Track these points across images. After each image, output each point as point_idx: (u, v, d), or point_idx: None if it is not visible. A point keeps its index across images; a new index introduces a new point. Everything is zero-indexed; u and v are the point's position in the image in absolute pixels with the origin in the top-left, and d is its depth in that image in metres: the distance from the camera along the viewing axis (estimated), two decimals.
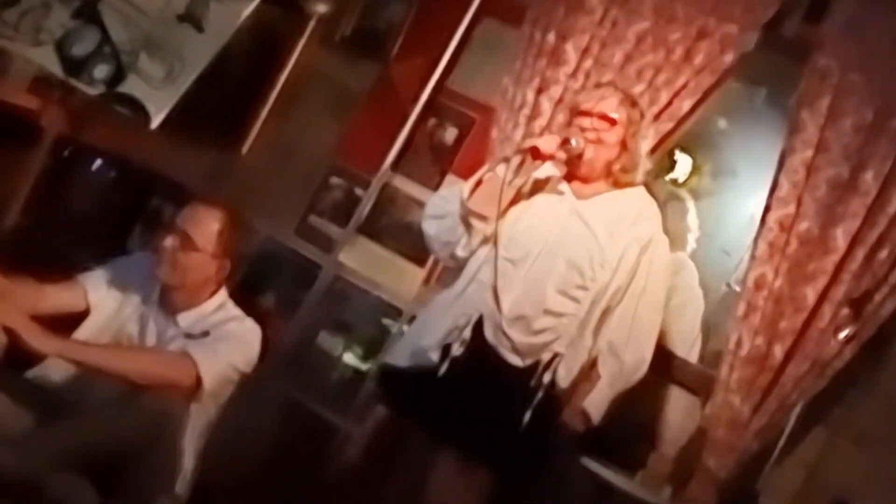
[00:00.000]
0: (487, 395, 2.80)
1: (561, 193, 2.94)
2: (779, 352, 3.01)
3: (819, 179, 3.09)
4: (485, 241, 2.89)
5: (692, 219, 3.51)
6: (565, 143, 2.87)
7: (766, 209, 3.13)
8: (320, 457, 3.38)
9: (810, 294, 3.02)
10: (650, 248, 2.88)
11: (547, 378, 2.80)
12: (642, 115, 2.99)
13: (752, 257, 3.12)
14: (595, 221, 2.87)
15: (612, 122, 2.90)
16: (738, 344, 3.06)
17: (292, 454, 3.43)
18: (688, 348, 3.30)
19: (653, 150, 3.28)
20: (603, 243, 2.84)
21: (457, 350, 2.84)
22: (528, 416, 2.76)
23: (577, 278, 2.82)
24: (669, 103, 3.32)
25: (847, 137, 3.08)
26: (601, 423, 2.87)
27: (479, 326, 2.85)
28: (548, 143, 2.86)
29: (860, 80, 3.12)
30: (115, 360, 2.50)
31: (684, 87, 3.32)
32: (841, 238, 3.02)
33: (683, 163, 3.80)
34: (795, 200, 3.09)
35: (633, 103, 2.99)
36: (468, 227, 2.89)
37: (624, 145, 2.92)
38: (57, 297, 2.73)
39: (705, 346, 3.31)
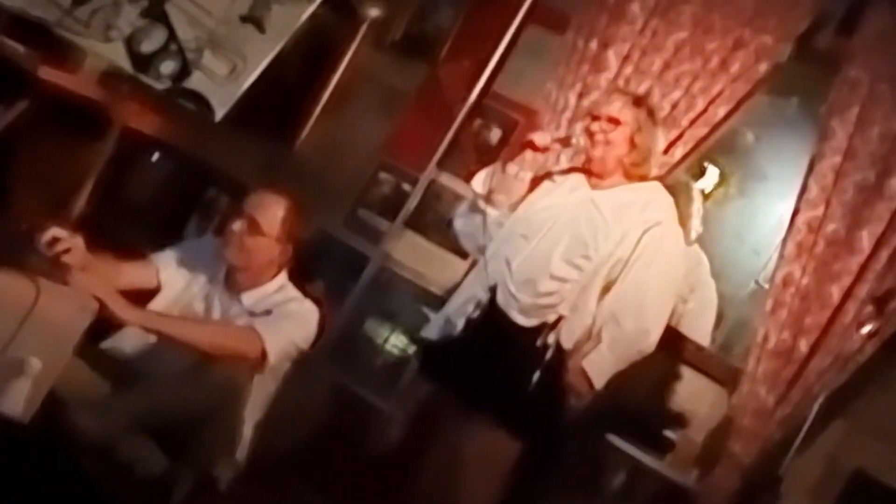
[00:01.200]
0: (499, 355, 3.05)
1: (577, 184, 3.18)
2: (804, 346, 3.19)
3: (846, 184, 3.27)
4: (499, 226, 3.15)
5: (696, 218, 3.67)
6: (566, 140, 3.17)
7: (795, 211, 3.31)
8: (363, 436, 3.57)
9: (835, 292, 3.19)
10: (655, 228, 3.05)
11: (552, 339, 3.03)
12: (650, 114, 3.17)
13: (781, 256, 3.30)
14: (605, 206, 3.11)
15: (618, 122, 3.11)
16: (766, 338, 3.23)
17: (338, 432, 3.62)
18: (708, 338, 3.47)
19: (686, 155, 3.49)
20: (609, 221, 3.07)
21: (473, 313, 3.12)
22: (536, 375, 2.99)
23: (581, 249, 3.06)
24: (705, 110, 3.51)
25: (874, 145, 3.25)
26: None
27: (493, 295, 3.12)
28: (542, 138, 3.13)
29: (888, 91, 3.29)
30: (190, 330, 2.70)
31: (720, 94, 3.50)
32: (866, 240, 3.19)
33: (711, 174, 3.95)
34: (824, 203, 3.27)
35: (639, 103, 3.17)
36: (482, 213, 3.16)
37: (632, 142, 3.12)
38: (132, 274, 2.92)
39: (733, 339, 3.48)
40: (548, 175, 3.23)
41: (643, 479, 3.29)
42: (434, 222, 3.94)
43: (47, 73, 3.72)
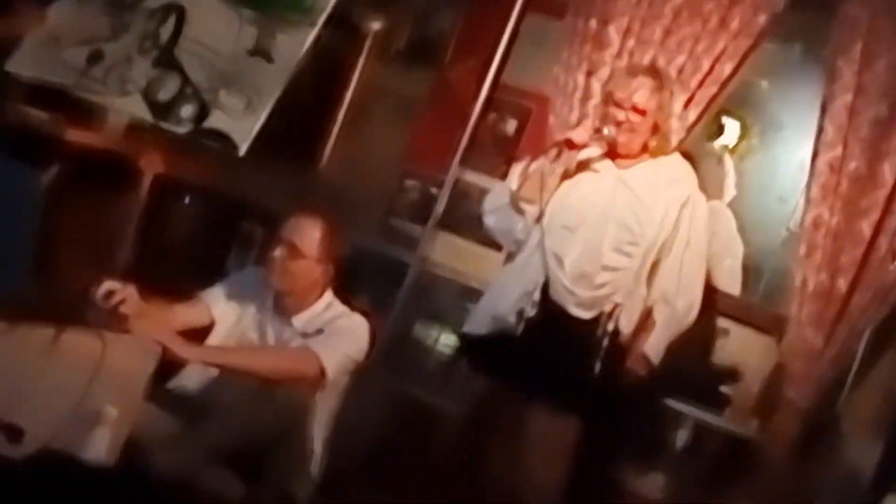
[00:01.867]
0: (561, 348, 3.13)
1: (605, 168, 3.25)
2: (842, 284, 3.25)
3: (861, 121, 3.31)
4: (538, 220, 3.23)
5: (730, 176, 3.73)
6: (598, 132, 3.21)
7: (815, 154, 3.36)
8: (428, 437, 3.66)
9: (865, 227, 3.25)
10: (689, 205, 3.18)
11: (610, 327, 3.12)
12: (672, 94, 3.28)
13: (807, 200, 3.35)
14: (637, 186, 3.19)
15: (643, 112, 3.18)
16: (804, 282, 3.29)
17: (403, 437, 3.72)
18: (737, 287, 3.55)
19: (700, 116, 3.55)
20: (646, 203, 3.16)
21: (530, 311, 3.18)
22: (598, 363, 3.09)
23: (627, 236, 3.15)
24: (711, 69, 3.56)
25: (882, 78, 3.30)
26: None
27: (545, 290, 3.19)
28: (580, 135, 3.21)
29: (888, 24, 3.33)
30: (248, 358, 2.82)
31: (723, 51, 3.56)
32: (888, 172, 3.25)
33: (731, 128, 3.96)
34: (841, 143, 3.32)
35: (662, 86, 3.24)
36: (520, 211, 3.25)
37: (656, 127, 3.22)
38: (186, 314, 3.03)
39: (773, 288, 3.53)
40: (580, 166, 3.29)
41: (705, 437, 3.37)
42: (465, 220, 4.01)
43: (74, 135, 3.86)
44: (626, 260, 3.14)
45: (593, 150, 3.25)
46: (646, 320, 3.15)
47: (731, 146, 3.81)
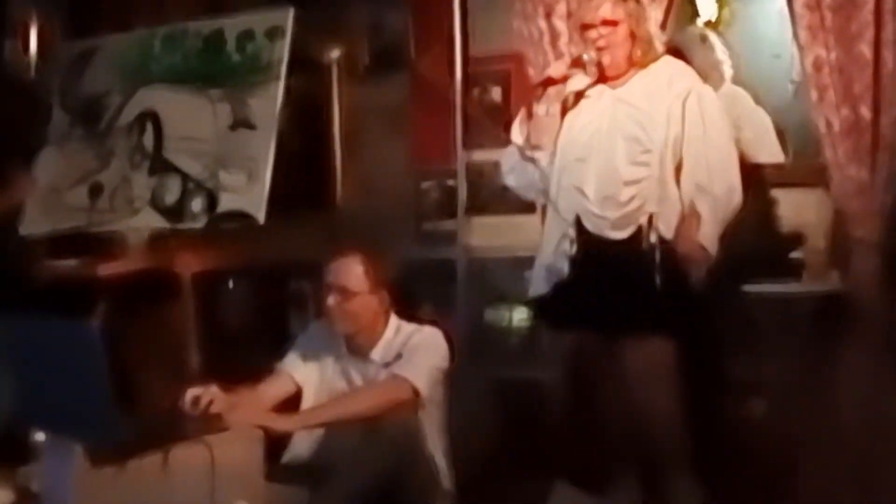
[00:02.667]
0: (617, 275, 3.13)
1: (600, 93, 3.25)
2: (866, 112, 3.22)
3: None
4: (551, 162, 3.26)
5: (720, 51, 3.70)
6: (579, 61, 3.22)
7: (789, 1, 3.34)
8: (540, 411, 3.70)
9: (865, 49, 3.22)
10: (691, 97, 3.15)
11: (653, 237, 3.12)
12: (638, 1, 3.27)
13: (800, 47, 3.33)
14: (635, 98, 3.19)
15: (614, 23, 3.18)
16: (828, 124, 3.27)
17: (515, 421, 3.76)
18: (778, 156, 3.52)
19: (668, 8, 3.53)
20: (647, 110, 3.16)
21: (571, 251, 3.21)
22: (657, 276, 3.09)
23: (638, 147, 3.14)
24: None
25: None
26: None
27: (580, 226, 3.20)
28: (557, 68, 3.24)
29: None
30: (344, 407, 2.88)
31: None
32: None
33: (705, 2, 3.91)
34: None
35: None
36: (532, 160, 3.28)
37: (633, 36, 3.21)
38: (272, 391, 3.09)
39: (803, 144, 3.50)
40: (577, 98, 3.29)
41: (794, 308, 3.36)
42: (490, 197, 4.06)
43: (106, 270, 3.97)
44: (645, 169, 3.14)
45: (583, 80, 3.26)
46: (690, 217, 3.12)
47: (714, 19, 3.77)
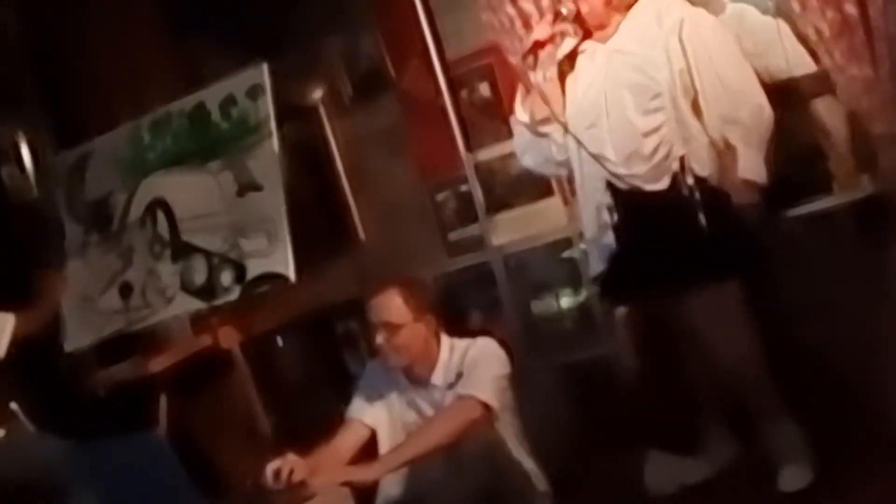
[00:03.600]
0: (663, 229, 3.04)
1: (591, 50, 3.18)
2: (851, 8, 3.15)
3: None
4: (565, 134, 3.18)
5: None
6: (557, 17, 3.14)
7: None
8: (612, 386, 3.67)
9: None
10: (685, 26, 3.04)
11: (689, 179, 3.00)
12: None
13: None
14: (627, 44, 3.10)
15: None
16: (818, 31, 3.21)
17: (593, 404, 3.74)
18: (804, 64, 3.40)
19: None
20: (644, 53, 3.06)
21: (612, 220, 3.12)
22: (702, 218, 2.96)
23: (646, 93, 3.05)
24: None
25: None
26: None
27: (613, 189, 3.12)
28: (542, 30, 3.14)
29: None
30: (422, 442, 2.87)
31: None
32: None
33: None
34: None
35: None
36: (545, 136, 3.23)
37: None
38: (347, 442, 3.09)
39: (796, 56, 3.43)
40: (565, 62, 3.22)
41: (834, 222, 3.31)
42: (505, 192, 4.04)
43: (157, 364, 3.99)
44: (660, 115, 3.05)
45: (570, 42, 3.19)
46: (725, 151, 3.02)
47: None
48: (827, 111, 3.35)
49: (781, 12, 3.36)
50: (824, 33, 3.20)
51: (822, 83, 3.33)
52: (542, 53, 3.13)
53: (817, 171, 3.37)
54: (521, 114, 3.27)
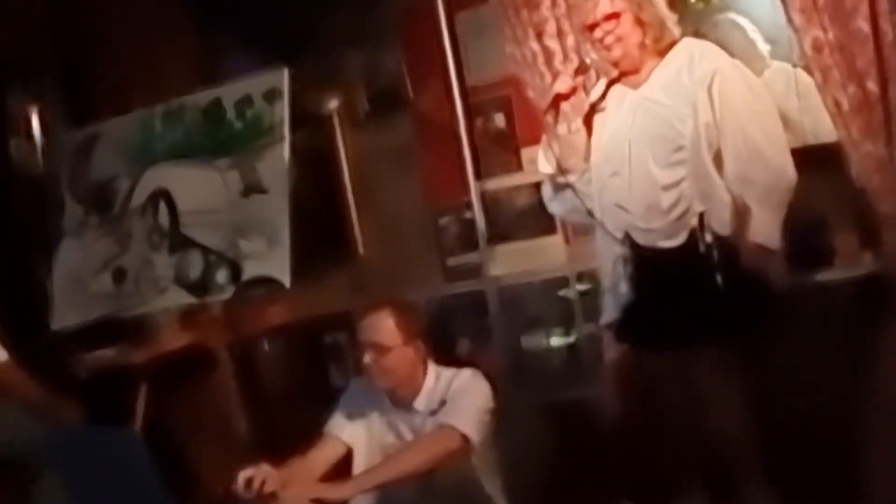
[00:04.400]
0: (677, 288, 2.95)
1: (621, 95, 3.08)
2: (873, 86, 3.16)
3: None
4: (588, 182, 3.10)
5: (750, 30, 3.57)
6: (581, 68, 3.05)
7: None
8: (593, 429, 3.66)
9: (862, 24, 3.15)
10: (717, 79, 2.93)
11: (708, 237, 2.91)
12: None
13: (796, 30, 3.26)
14: (659, 93, 3.00)
15: (616, 15, 2.98)
16: (837, 104, 3.21)
17: (571, 446, 3.72)
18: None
19: None
20: (672, 103, 2.96)
21: (627, 271, 3.03)
22: (718, 277, 2.87)
23: (669, 145, 2.95)
24: None
25: None
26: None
27: (631, 242, 3.02)
28: (563, 83, 3.04)
29: None
30: (398, 466, 2.85)
31: None
32: None
33: None
34: None
35: None
36: (569, 186, 3.10)
37: (640, 22, 3.00)
38: (323, 456, 3.07)
39: (813, 124, 3.45)
40: (592, 109, 3.13)
41: (832, 295, 3.31)
42: (509, 224, 4.06)
43: (142, 355, 3.98)
44: (682, 168, 2.95)
45: (600, 87, 3.12)
46: (742, 214, 2.92)
47: None
48: (838, 184, 3.35)
49: (804, 80, 3.38)
50: (843, 107, 3.21)
51: (835, 156, 3.34)
52: (565, 105, 3.06)
53: (821, 242, 3.37)
54: (543, 165, 3.18)
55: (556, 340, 4.03)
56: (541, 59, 3.71)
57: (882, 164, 3.17)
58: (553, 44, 3.66)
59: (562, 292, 4.00)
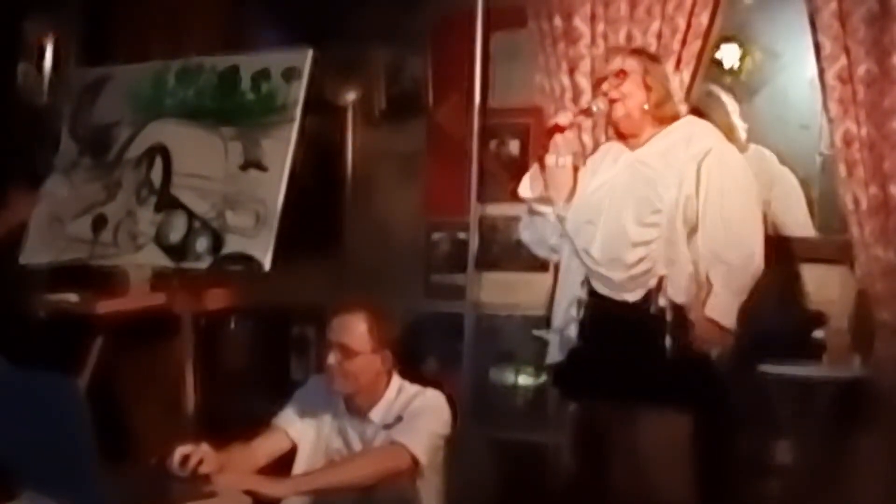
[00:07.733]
0: (624, 339, 3.04)
1: (617, 153, 3.18)
2: (894, 189, 3.12)
3: (854, 22, 3.20)
4: (563, 221, 3.18)
5: (735, 117, 3.64)
6: (588, 111, 3.17)
7: (821, 71, 3.26)
8: (541, 475, 3.59)
9: None
10: (709, 157, 3.04)
11: (663, 301, 3.01)
12: (651, 57, 3.22)
13: (830, 120, 3.24)
14: (653, 159, 3.10)
15: (624, 73, 3.11)
16: (856, 201, 3.18)
17: (517, 485, 3.65)
18: (809, 226, 3.42)
19: (694, 73, 3.46)
20: (662, 170, 3.07)
21: (579, 314, 3.13)
22: (668, 341, 2.98)
23: (648, 206, 3.05)
24: (689, 25, 3.47)
25: None
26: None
27: (590, 288, 3.12)
28: (564, 117, 3.17)
29: None
30: (340, 475, 2.76)
31: (694, 4, 3.47)
32: None
33: (729, 53, 3.82)
34: (843, 51, 3.20)
35: (639, 53, 3.23)
36: (541, 214, 3.22)
37: (646, 85, 3.11)
38: (266, 448, 2.97)
39: (827, 217, 3.41)
40: (586, 160, 3.27)
41: (813, 391, 3.24)
42: (502, 252, 3.98)
43: (105, 307, 3.88)
44: (654, 230, 3.05)
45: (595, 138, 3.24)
46: (704, 289, 3.00)
47: (736, 67, 3.69)
48: (840, 281, 3.31)
49: (826, 170, 3.32)
50: (861, 206, 3.17)
51: (843, 252, 3.29)
52: (559, 138, 3.13)
53: (811, 336, 3.31)
54: (524, 189, 3.25)
55: (525, 379, 3.96)
56: (568, 95, 3.65)
57: (888, 271, 3.12)
58: (584, 81, 3.60)
59: (539, 332, 3.90)
